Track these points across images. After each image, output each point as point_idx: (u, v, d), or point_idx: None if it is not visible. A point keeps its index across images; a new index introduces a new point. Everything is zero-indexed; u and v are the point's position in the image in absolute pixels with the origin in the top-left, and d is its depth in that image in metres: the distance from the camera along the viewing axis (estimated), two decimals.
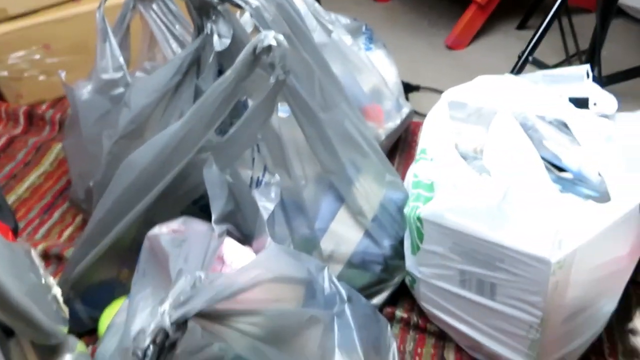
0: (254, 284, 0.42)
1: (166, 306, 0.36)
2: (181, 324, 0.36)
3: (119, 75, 0.74)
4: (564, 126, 0.70)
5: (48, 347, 0.45)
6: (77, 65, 0.95)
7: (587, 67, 0.72)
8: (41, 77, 1.12)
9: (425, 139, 0.71)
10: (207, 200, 0.68)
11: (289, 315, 0.47)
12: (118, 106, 0.72)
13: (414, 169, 0.70)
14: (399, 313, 0.77)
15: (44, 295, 0.41)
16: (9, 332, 0.45)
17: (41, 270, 0.46)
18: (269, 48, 0.52)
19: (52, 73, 1.11)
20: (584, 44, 1.09)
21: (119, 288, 0.72)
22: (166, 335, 0.35)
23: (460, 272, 0.65)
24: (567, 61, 1.15)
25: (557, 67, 1.07)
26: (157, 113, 0.66)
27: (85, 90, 0.76)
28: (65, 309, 0.47)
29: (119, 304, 0.66)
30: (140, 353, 0.34)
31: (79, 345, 0.49)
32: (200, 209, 0.68)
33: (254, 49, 0.53)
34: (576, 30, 1.13)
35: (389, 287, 0.77)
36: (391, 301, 0.78)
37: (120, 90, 0.75)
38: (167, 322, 0.35)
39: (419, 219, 0.65)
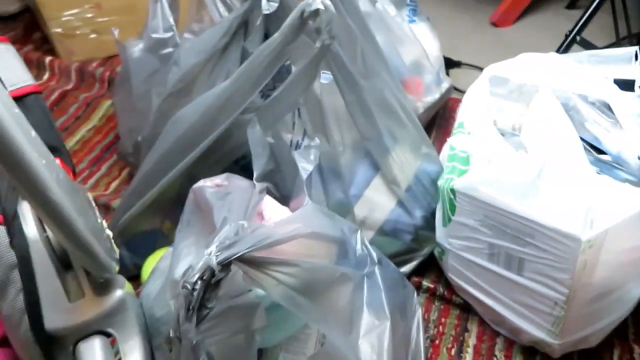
0: (292, 236, 0.45)
1: (213, 248, 0.39)
2: (225, 266, 0.39)
3: (168, 35, 0.77)
4: (606, 108, 0.69)
5: (100, 282, 0.49)
6: (126, 25, 0.97)
7: (636, 48, 0.71)
8: (92, 36, 1.16)
9: (464, 113, 0.72)
10: (248, 160, 0.71)
11: (322, 270, 0.50)
12: (167, 65, 0.75)
13: (450, 142, 0.71)
14: (426, 283, 0.79)
15: (100, 233, 0.44)
16: (67, 266, 0.49)
17: (96, 212, 0.49)
18: (316, 12, 0.53)
19: (102, 32, 1.15)
20: (636, 27, 1.06)
21: (161, 238, 0.76)
22: (212, 273, 0.38)
23: (489, 245, 0.66)
24: (617, 44, 1.12)
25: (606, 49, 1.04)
26: (204, 73, 0.68)
27: (136, 49, 0.79)
28: (116, 249, 0.51)
29: (161, 253, 0.70)
30: (189, 286, 0.37)
31: (127, 285, 0.52)
32: (241, 169, 0.70)
33: (302, 12, 0.54)
34: (628, 12, 1.09)
35: (417, 257, 0.79)
36: (419, 271, 0.80)
37: (169, 49, 0.77)
38: (213, 262, 0.38)
39: (453, 191, 0.66)
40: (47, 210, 0.35)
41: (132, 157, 0.87)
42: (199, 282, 0.38)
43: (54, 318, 0.47)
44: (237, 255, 0.40)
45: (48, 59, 1.15)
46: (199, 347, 0.37)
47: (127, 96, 0.83)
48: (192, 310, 0.38)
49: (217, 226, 0.45)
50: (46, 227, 0.49)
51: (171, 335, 0.39)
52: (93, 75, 1.13)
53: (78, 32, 1.15)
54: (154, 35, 0.77)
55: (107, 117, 1.06)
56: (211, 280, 0.38)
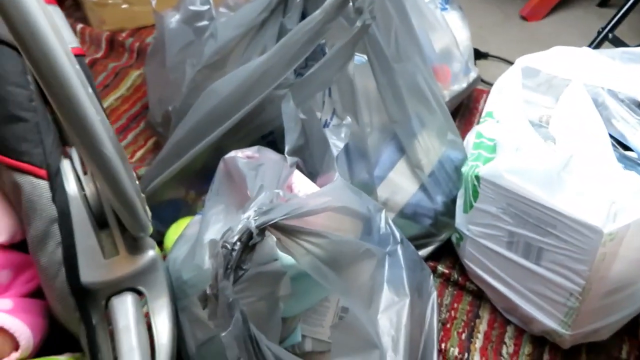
0: (323, 208, 0.47)
1: (251, 212, 0.41)
2: (262, 230, 0.41)
3: (205, 8, 0.78)
4: (636, 106, 0.69)
5: (134, 242, 0.51)
6: None
7: None
8: (124, 6, 1.17)
9: (494, 102, 0.72)
10: (275, 136, 0.72)
11: (349, 244, 0.51)
12: (202, 37, 0.76)
13: (478, 129, 0.71)
14: (441, 268, 0.80)
15: (139, 193, 0.46)
16: (102, 224, 0.51)
17: (134, 173, 0.51)
18: None
19: (134, 2, 1.16)
20: None
21: (184, 208, 0.78)
22: (250, 236, 0.40)
23: (509, 233, 0.67)
24: None
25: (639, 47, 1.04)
26: (240, 46, 0.69)
27: (173, 19, 0.80)
28: (149, 212, 0.52)
29: (185, 222, 0.72)
30: (229, 246, 0.39)
31: (157, 248, 0.54)
32: (268, 144, 0.72)
33: None
34: None
35: (434, 242, 0.80)
36: (434, 256, 0.81)
37: (205, 22, 0.78)
38: (252, 225, 0.40)
39: (477, 178, 0.67)
40: (100, 164, 0.36)
41: (161, 127, 0.88)
42: (238, 243, 0.39)
43: (90, 272, 0.49)
44: (273, 221, 0.41)
45: (79, 26, 1.17)
46: (234, 304, 0.39)
47: (159, 66, 0.84)
48: (230, 269, 0.39)
49: (253, 194, 0.46)
50: (84, 186, 0.51)
51: (208, 292, 0.40)
52: (123, 45, 1.14)
53: (110, 1, 1.16)
54: (191, 7, 0.78)
55: (134, 87, 1.07)
56: (248, 243, 0.40)
